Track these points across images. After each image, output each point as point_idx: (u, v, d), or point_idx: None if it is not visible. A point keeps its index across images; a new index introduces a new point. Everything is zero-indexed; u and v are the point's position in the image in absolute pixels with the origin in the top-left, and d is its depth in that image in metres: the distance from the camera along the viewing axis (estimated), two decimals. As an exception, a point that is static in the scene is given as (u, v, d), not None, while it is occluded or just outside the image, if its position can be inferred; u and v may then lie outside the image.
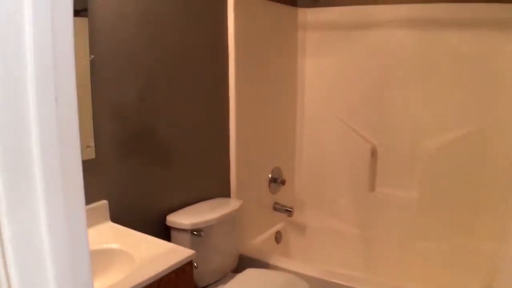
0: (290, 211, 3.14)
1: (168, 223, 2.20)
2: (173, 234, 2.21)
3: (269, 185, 3.08)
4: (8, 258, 0.64)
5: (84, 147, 1.78)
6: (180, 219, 2.18)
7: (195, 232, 2.16)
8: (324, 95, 3.16)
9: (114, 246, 1.71)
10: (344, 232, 3.21)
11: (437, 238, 2.86)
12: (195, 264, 1.73)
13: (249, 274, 2.37)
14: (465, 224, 2.77)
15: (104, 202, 1.91)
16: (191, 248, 2.13)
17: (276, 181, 3.12)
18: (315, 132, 3.25)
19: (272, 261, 2.67)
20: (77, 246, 0.75)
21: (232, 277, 2.38)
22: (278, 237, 3.19)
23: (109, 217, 1.93)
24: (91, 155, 1.83)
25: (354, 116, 3.06)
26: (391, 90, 2.89)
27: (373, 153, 3.01)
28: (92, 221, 1.86)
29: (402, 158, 2.94)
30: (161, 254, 1.64)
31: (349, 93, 3.05)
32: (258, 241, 2.97)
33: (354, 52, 3.00)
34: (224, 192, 2.70)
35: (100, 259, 1.67)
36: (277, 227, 3.23)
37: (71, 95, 0.69)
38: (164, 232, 2.24)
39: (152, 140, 2.14)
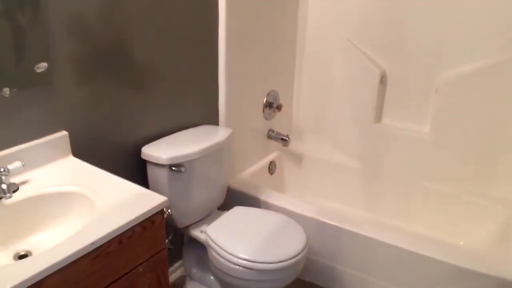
0: (286, 139, 2.86)
1: (143, 156, 1.91)
2: (150, 169, 1.93)
3: (263, 111, 2.76)
4: None
5: (35, 68, 1.46)
6: (157, 151, 1.89)
7: (174, 168, 1.87)
8: (330, 10, 2.75)
9: (73, 188, 1.42)
10: (344, 165, 2.94)
11: (446, 179, 2.59)
12: (168, 211, 1.46)
13: (237, 213, 2.13)
14: (480, 166, 2.49)
15: (64, 133, 1.61)
16: (170, 186, 1.88)
17: (272, 106, 2.80)
18: (318, 53, 2.88)
19: (264, 196, 2.42)
20: None
21: (217, 216, 2.14)
22: (272, 167, 2.93)
23: (70, 151, 1.64)
24: (45, 78, 1.50)
25: (364, 36, 2.68)
26: (408, 8, 2.49)
27: (383, 80, 2.67)
28: (49, 156, 1.57)
29: (415, 87, 2.60)
30: (127, 200, 1.36)
31: (359, 9, 2.64)
32: (250, 172, 2.71)
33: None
34: (211, 118, 2.39)
35: (55, 205, 1.41)
36: (271, 156, 2.96)
37: None
38: (140, 166, 1.96)
39: (123, 58, 1.80)
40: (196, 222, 2.13)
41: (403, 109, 2.68)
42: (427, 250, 2.02)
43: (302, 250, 1.87)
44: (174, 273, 2.42)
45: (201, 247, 2.12)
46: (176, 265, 2.42)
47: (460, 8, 2.34)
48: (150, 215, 1.33)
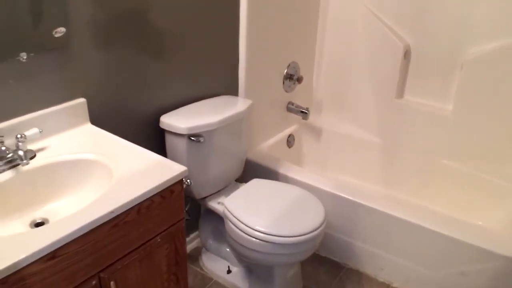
0: (306, 113, 2.80)
1: (161, 125, 1.89)
2: (168, 138, 1.90)
3: (283, 82, 2.71)
4: None
5: (52, 33, 1.42)
6: (176, 121, 1.86)
7: (193, 138, 1.85)
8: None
9: (91, 156, 1.41)
10: (364, 140, 2.88)
11: (467, 159, 2.52)
12: (188, 181, 1.43)
13: (255, 185, 2.10)
14: (501, 146, 2.41)
15: (82, 100, 1.58)
16: (188, 156, 1.86)
17: (292, 78, 2.75)
18: (340, 24, 2.79)
19: (282, 170, 2.39)
20: None
21: (235, 187, 2.12)
22: (290, 140, 2.89)
23: (88, 118, 1.61)
24: (63, 42, 1.46)
25: (387, 8, 2.59)
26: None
27: (406, 54, 2.59)
28: (67, 123, 1.55)
29: (440, 63, 2.51)
30: (146, 169, 1.34)
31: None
32: (268, 145, 2.68)
33: None
34: (231, 89, 2.34)
35: (73, 172, 1.39)
36: (290, 129, 2.91)
37: None
38: (158, 136, 1.94)
39: (142, 24, 1.75)
40: (213, 194, 2.11)
41: (426, 85, 2.60)
42: (444, 228, 1.98)
43: (320, 225, 1.84)
44: (190, 244, 2.41)
45: (217, 219, 2.11)
46: (192, 236, 2.41)
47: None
48: (169, 184, 1.31)
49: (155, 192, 1.27)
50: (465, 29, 2.37)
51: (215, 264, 2.25)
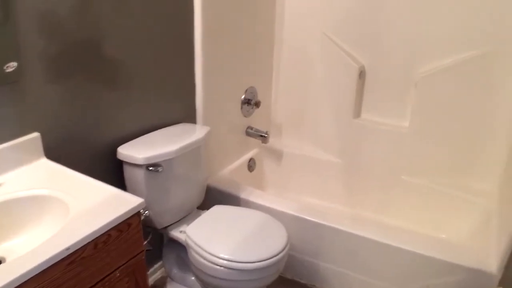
0: (265, 136, 2.83)
1: (119, 157, 1.87)
2: (126, 169, 1.88)
3: (241, 107, 2.73)
4: None
5: (4, 68, 1.40)
6: (133, 151, 1.85)
7: (151, 168, 1.83)
8: (308, 7, 2.72)
9: (46, 192, 1.37)
10: (324, 160, 2.92)
11: (426, 174, 2.60)
12: (146, 212, 1.42)
13: (217, 212, 2.09)
14: (458, 159, 2.50)
15: (36, 134, 1.55)
16: (147, 186, 1.85)
17: (250, 102, 2.77)
18: (296, 48, 2.85)
19: (244, 194, 2.39)
20: None
21: (197, 215, 2.11)
22: (251, 165, 2.90)
23: (43, 153, 1.58)
24: (14, 77, 1.44)
25: (342, 32, 2.66)
26: (387, 4, 2.47)
27: (361, 75, 2.66)
28: (21, 159, 1.51)
29: (394, 82, 2.59)
30: (102, 203, 1.32)
31: (338, 5, 2.62)
32: (229, 170, 2.68)
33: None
34: (188, 116, 2.34)
35: (28, 209, 1.35)
36: (250, 154, 2.93)
37: None
38: (116, 167, 1.91)
39: (96, 55, 1.74)
40: (175, 222, 2.09)
41: (382, 103, 2.67)
42: (408, 244, 2.02)
43: (284, 249, 1.85)
44: (155, 274, 2.37)
45: (181, 247, 2.08)
46: (156, 266, 2.38)
47: (436, 4, 2.34)
48: (126, 218, 1.29)
49: (111, 226, 1.25)
50: (416, 48, 2.46)
51: (180, 294, 2.22)
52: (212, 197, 2.43)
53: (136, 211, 1.33)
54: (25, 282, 1.03)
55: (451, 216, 2.51)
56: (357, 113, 2.76)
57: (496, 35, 2.23)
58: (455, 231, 2.46)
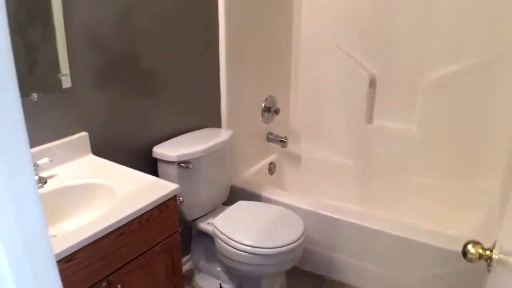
0: (285, 141, 3.05)
1: (154, 155, 2.11)
2: (160, 166, 2.12)
3: (262, 115, 2.96)
4: None
5: (58, 76, 1.66)
6: (167, 150, 2.09)
7: (182, 165, 2.07)
8: (322, 20, 2.96)
9: (95, 180, 1.62)
10: (339, 164, 3.13)
11: (435, 174, 2.79)
12: (180, 198, 1.65)
13: (241, 206, 2.31)
14: (464, 161, 2.68)
15: (84, 134, 1.81)
16: (179, 181, 2.06)
17: (270, 110, 3.00)
18: (312, 60, 3.09)
19: (265, 193, 2.61)
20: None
21: (222, 210, 2.32)
22: (271, 168, 3.12)
23: (90, 149, 1.83)
24: (67, 83, 1.70)
25: (353, 43, 2.89)
26: (394, 16, 2.70)
27: (372, 83, 2.88)
28: (72, 154, 1.76)
29: (402, 90, 2.80)
30: (144, 189, 1.56)
31: (349, 18, 2.85)
32: (251, 173, 2.90)
33: (355, -27, 2.79)
34: (214, 122, 2.58)
35: (81, 194, 1.59)
36: (271, 158, 3.15)
37: None
38: (151, 165, 2.15)
39: (134, 67, 2.00)
40: (203, 216, 2.32)
41: (392, 110, 2.88)
42: (416, 236, 2.20)
43: (300, 237, 2.05)
44: (184, 266, 2.58)
45: (208, 241, 2.31)
46: (185, 258, 2.59)
47: (440, 15, 2.54)
48: (164, 200, 1.53)
49: (153, 206, 1.48)
50: (422, 57, 2.67)
51: (208, 283, 2.43)
52: (236, 195, 2.65)
53: (173, 194, 1.56)
54: (83, 248, 1.26)
55: (457, 213, 2.68)
56: (369, 119, 2.96)
57: (496, 43, 2.43)
58: (462, 227, 2.63)
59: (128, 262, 1.45)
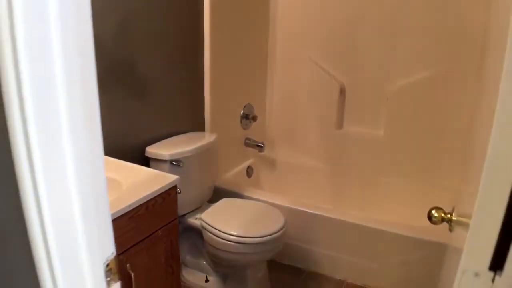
0: (261, 146, 3.26)
1: (147, 154, 2.29)
2: (153, 165, 2.30)
3: (241, 121, 3.17)
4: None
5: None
6: (160, 150, 2.27)
7: (174, 163, 2.25)
8: (296, 34, 3.22)
9: (100, 173, 1.78)
10: (312, 167, 3.37)
11: (400, 174, 3.05)
12: (178, 189, 1.83)
13: (226, 202, 2.51)
14: (426, 161, 2.96)
15: (88, 132, 1.97)
16: (171, 177, 2.24)
17: (248, 117, 3.22)
18: (286, 70, 3.33)
19: (246, 193, 2.81)
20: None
21: (208, 207, 2.51)
22: (249, 171, 3.32)
23: (92, 147, 1.99)
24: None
25: (325, 56, 3.15)
26: (361, 32, 2.97)
27: (342, 92, 3.13)
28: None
29: (369, 98, 3.07)
30: (147, 180, 1.74)
31: (321, 33, 3.11)
32: (230, 175, 3.10)
33: (326, -9, 3.06)
34: (198, 127, 2.78)
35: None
36: (249, 162, 3.36)
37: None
38: (143, 164, 2.32)
39: (129, 74, 2.18)
40: (190, 212, 2.50)
41: (361, 116, 3.14)
42: (386, 226, 2.44)
43: (281, 228, 2.26)
44: (170, 263, 2.75)
45: (193, 237, 2.49)
46: (171, 255, 2.75)
47: (403, 30, 2.83)
48: (167, 188, 1.72)
49: (157, 194, 1.67)
50: (387, 69, 2.94)
51: (194, 276, 2.60)
52: (219, 195, 2.83)
53: (174, 184, 1.75)
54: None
55: (422, 209, 2.92)
56: (340, 125, 3.22)
57: (451, 56, 2.72)
58: (426, 221, 2.88)
59: (136, 244, 1.62)
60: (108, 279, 0.95)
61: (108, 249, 0.94)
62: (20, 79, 0.65)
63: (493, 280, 0.73)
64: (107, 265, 0.94)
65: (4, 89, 0.66)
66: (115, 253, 0.95)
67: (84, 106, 0.80)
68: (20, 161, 0.70)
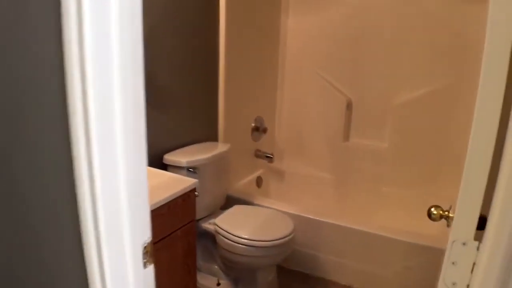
0: (271, 157, 3.41)
1: (165, 161, 2.43)
2: (170, 171, 2.41)
3: (252, 133, 3.32)
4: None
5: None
6: (177, 157, 2.42)
7: (190, 169, 2.39)
8: (304, 51, 3.38)
9: (125, 176, 1.93)
10: (319, 177, 3.50)
11: (404, 185, 3.18)
12: (196, 193, 1.97)
13: (237, 209, 2.64)
14: (428, 172, 3.08)
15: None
16: (188, 183, 2.38)
17: (259, 129, 3.36)
18: (295, 85, 3.49)
19: (257, 201, 2.94)
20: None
21: (221, 213, 2.64)
22: (259, 181, 3.45)
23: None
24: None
25: (332, 71, 3.31)
26: (368, 48, 3.13)
27: (349, 106, 3.28)
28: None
29: (375, 111, 3.22)
30: (168, 182, 1.88)
31: (328, 50, 3.28)
32: (241, 185, 3.23)
33: (335, 11, 3.20)
34: (211, 137, 2.93)
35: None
36: (258, 172, 3.49)
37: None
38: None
39: (151, 86, 2.34)
40: (204, 217, 2.63)
41: (366, 129, 3.28)
42: (390, 233, 2.56)
43: (290, 233, 2.38)
44: (183, 267, 2.87)
45: (206, 242, 2.62)
46: (184, 259, 2.88)
47: (405, 47, 2.98)
48: (186, 191, 1.85)
49: (178, 195, 1.80)
50: (392, 83, 3.09)
51: (206, 280, 2.72)
52: (230, 203, 2.96)
53: (192, 187, 1.89)
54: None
55: (424, 218, 3.04)
56: (346, 137, 3.36)
57: (454, 71, 2.86)
58: (427, 230, 2.99)
59: (157, 241, 1.75)
60: (145, 260, 1.08)
61: (146, 233, 1.08)
62: (87, 99, 0.81)
63: (478, 248, 0.87)
64: (145, 247, 1.07)
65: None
66: (151, 238, 1.08)
67: (134, 119, 0.95)
68: (80, 157, 0.86)
